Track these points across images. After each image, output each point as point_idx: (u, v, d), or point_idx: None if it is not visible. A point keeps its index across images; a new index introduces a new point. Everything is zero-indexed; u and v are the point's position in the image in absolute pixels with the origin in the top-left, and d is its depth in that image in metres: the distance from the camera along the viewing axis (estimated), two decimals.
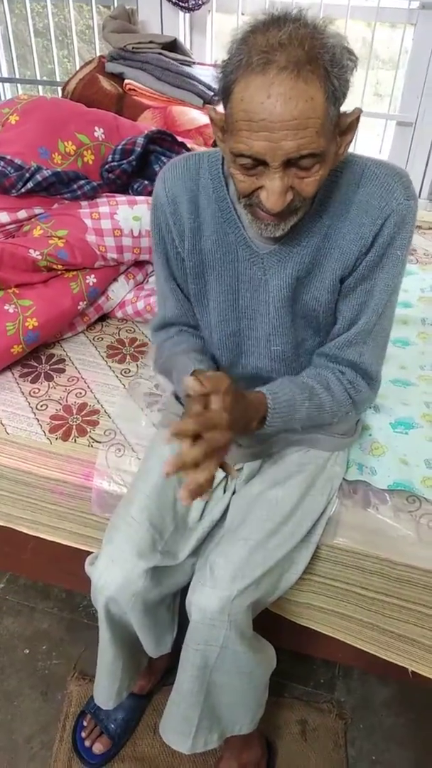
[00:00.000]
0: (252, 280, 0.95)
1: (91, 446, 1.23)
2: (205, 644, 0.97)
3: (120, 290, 1.57)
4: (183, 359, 1.00)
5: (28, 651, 1.47)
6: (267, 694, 1.12)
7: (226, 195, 0.92)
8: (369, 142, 2.59)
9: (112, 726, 1.28)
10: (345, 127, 0.79)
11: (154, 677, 1.34)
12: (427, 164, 2.17)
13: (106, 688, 1.14)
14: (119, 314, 1.58)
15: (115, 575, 0.99)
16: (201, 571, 1.00)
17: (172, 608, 1.13)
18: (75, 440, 1.24)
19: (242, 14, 2.17)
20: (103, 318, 1.59)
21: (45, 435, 1.25)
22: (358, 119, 0.79)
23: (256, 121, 0.71)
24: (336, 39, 0.73)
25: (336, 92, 0.73)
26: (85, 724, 1.30)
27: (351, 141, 0.82)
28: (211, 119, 0.83)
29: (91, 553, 1.10)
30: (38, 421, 1.28)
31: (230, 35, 0.75)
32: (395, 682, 1.41)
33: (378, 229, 0.86)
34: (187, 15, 2.19)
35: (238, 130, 0.73)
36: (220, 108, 0.81)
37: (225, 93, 0.75)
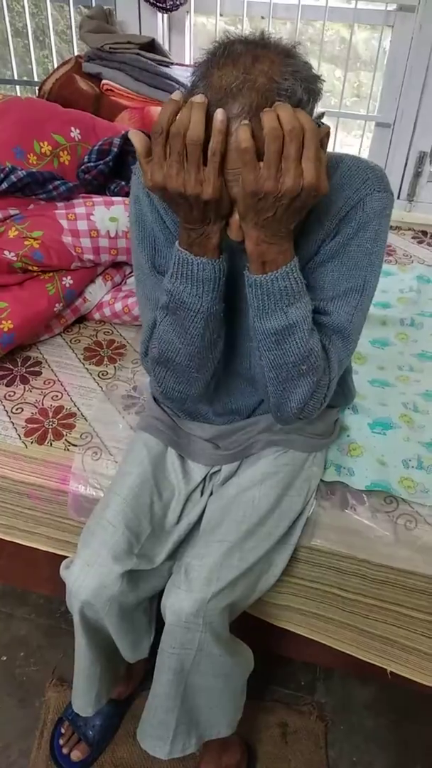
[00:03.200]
0: (228, 275, 0.94)
1: (67, 450, 1.22)
2: (180, 648, 0.96)
3: (97, 292, 1.55)
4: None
5: (5, 658, 1.45)
6: (245, 697, 1.12)
7: None
8: (349, 143, 2.60)
9: (91, 733, 1.27)
10: None
11: (133, 683, 1.33)
12: (405, 165, 2.18)
13: (84, 695, 1.12)
14: (97, 316, 1.57)
15: (90, 579, 0.98)
16: (176, 573, 0.99)
17: (149, 612, 1.12)
18: (51, 444, 1.23)
19: (220, 15, 2.16)
20: (81, 320, 1.57)
21: (20, 439, 1.24)
22: (327, 135, 0.78)
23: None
24: (296, 76, 0.71)
25: None
26: (63, 731, 1.28)
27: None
28: None
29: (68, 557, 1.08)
30: (13, 424, 1.27)
31: (194, 62, 0.74)
32: (375, 683, 1.41)
33: (344, 214, 0.84)
34: (165, 16, 2.18)
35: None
36: None
37: None
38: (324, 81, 0.76)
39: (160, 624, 1.03)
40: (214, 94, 0.70)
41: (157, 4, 2.06)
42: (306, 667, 1.44)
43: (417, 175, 2.17)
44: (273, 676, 1.41)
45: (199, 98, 0.70)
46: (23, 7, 2.35)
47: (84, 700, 1.13)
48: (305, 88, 0.72)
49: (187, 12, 2.18)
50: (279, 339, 0.84)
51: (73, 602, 1.01)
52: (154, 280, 0.95)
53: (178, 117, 0.70)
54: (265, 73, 0.70)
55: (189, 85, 0.75)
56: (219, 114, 0.69)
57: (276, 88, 0.70)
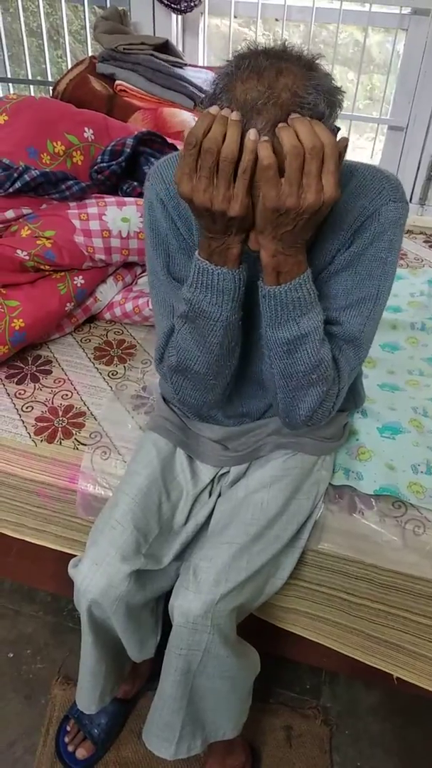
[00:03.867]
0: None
1: (77, 449, 1.22)
2: (188, 649, 0.96)
3: (108, 292, 1.56)
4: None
5: (12, 655, 1.46)
6: (251, 699, 1.12)
7: None
8: (361, 145, 2.60)
9: (96, 731, 1.27)
10: None
11: (138, 682, 1.33)
12: (418, 168, 2.17)
13: (89, 693, 1.13)
14: (107, 316, 1.58)
15: (98, 578, 0.98)
16: (184, 574, 0.99)
17: (156, 612, 1.12)
18: (60, 442, 1.23)
19: (234, 17, 2.17)
20: (91, 319, 1.58)
21: (30, 437, 1.24)
22: (345, 149, 0.77)
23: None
24: (318, 89, 0.71)
25: None
26: (68, 729, 1.29)
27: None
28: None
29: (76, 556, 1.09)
30: (23, 422, 1.27)
31: (217, 69, 0.75)
32: (381, 688, 1.41)
33: (359, 224, 0.84)
34: (179, 17, 2.19)
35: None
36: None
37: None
38: (344, 93, 0.76)
39: (166, 624, 1.04)
40: (238, 108, 0.71)
41: (172, 5, 2.07)
42: (311, 670, 1.44)
43: (429, 178, 2.16)
44: (278, 679, 1.41)
45: (235, 116, 0.70)
46: (38, 6, 2.36)
47: (88, 697, 1.13)
48: (327, 101, 0.72)
49: (201, 13, 2.19)
50: (290, 348, 0.85)
51: (81, 601, 1.01)
52: (170, 286, 0.95)
53: (211, 132, 0.70)
54: (289, 88, 0.70)
55: (210, 93, 0.75)
56: (252, 134, 0.69)
57: (299, 102, 0.70)
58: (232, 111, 0.71)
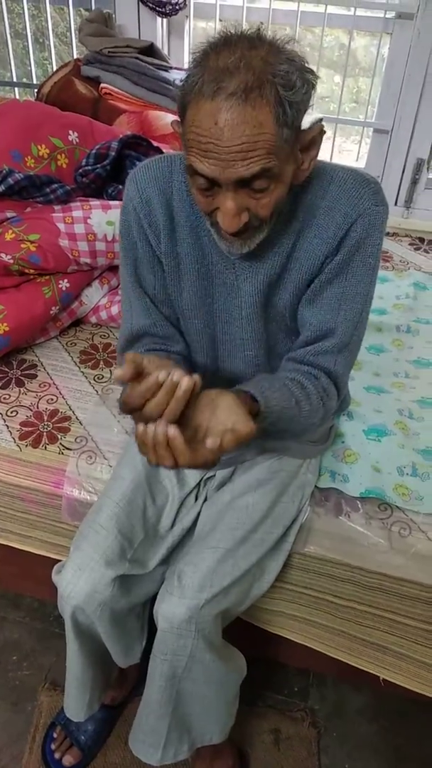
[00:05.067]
0: (225, 285, 0.95)
1: (62, 453, 1.22)
2: (172, 654, 0.96)
3: (94, 295, 1.55)
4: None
5: None
6: (237, 703, 1.12)
7: None
8: (348, 148, 2.61)
9: (83, 738, 1.26)
10: (307, 142, 0.79)
11: (125, 688, 1.32)
12: (403, 171, 2.18)
13: (77, 700, 1.12)
14: (93, 319, 1.57)
15: (82, 584, 0.98)
16: (169, 579, 0.99)
17: (142, 617, 1.11)
18: (45, 447, 1.23)
19: (220, 20, 2.17)
20: (77, 323, 1.57)
21: (15, 442, 1.23)
22: (321, 133, 0.79)
23: (204, 145, 0.72)
24: (291, 63, 0.72)
25: (287, 115, 0.72)
26: (55, 735, 1.28)
27: (316, 155, 0.81)
28: (175, 132, 0.83)
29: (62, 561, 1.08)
30: (8, 427, 1.26)
31: (191, 52, 0.75)
32: (368, 689, 1.41)
33: (344, 233, 0.86)
34: (165, 20, 2.18)
35: (190, 149, 0.74)
36: None
37: (181, 112, 0.76)
38: (318, 78, 0.77)
39: (152, 629, 1.03)
40: (211, 74, 0.70)
41: (157, 8, 2.06)
42: (299, 673, 1.44)
43: (414, 182, 2.17)
44: (266, 682, 1.41)
45: (185, 383, 0.70)
46: (23, 8, 2.35)
47: (76, 705, 1.12)
48: (300, 76, 0.73)
49: (187, 17, 2.19)
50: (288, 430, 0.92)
51: (64, 607, 1.00)
52: (136, 292, 0.98)
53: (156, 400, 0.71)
54: (262, 57, 0.71)
55: (185, 75, 0.75)
56: (184, 382, 0.70)
57: (272, 70, 0.71)
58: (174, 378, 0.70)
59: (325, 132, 0.80)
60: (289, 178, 0.79)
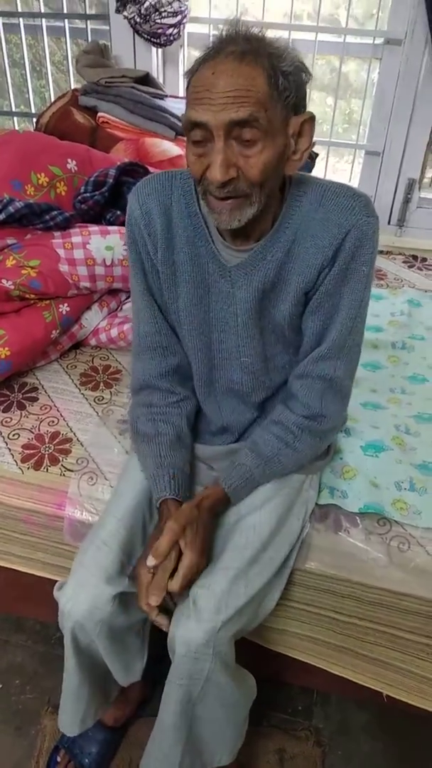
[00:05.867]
0: (221, 293, 0.98)
1: (63, 475, 1.23)
2: (189, 678, 0.96)
3: (93, 318, 1.58)
4: (153, 460, 1.05)
5: (1, 686, 1.45)
6: (247, 724, 1.11)
7: (197, 210, 0.95)
8: (340, 168, 2.65)
9: (87, 761, 1.25)
10: (298, 128, 0.83)
11: (128, 708, 1.31)
12: (395, 192, 2.23)
13: (70, 714, 1.12)
14: (93, 342, 1.59)
15: (82, 600, 0.99)
16: (183, 603, 0.99)
17: (142, 635, 1.12)
18: (47, 469, 1.24)
19: None
20: (77, 346, 1.59)
21: (17, 465, 1.25)
22: (312, 120, 0.84)
23: (200, 93, 0.78)
24: (289, 50, 0.80)
25: (278, 81, 0.78)
26: (59, 759, 1.27)
27: (308, 147, 0.86)
28: (185, 128, 0.87)
29: None
30: (10, 450, 1.28)
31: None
32: (372, 706, 1.40)
33: (339, 243, 0.89)
34: (160, 50, 2.24)
35: (189, 104, 0.81)
36: None
37: (187, 87, 0.82)
38: (311, 75, 0.84)
39: (154, 648, 1.04)
40: (214, 45, 0.79)
41: (152, 39, 2.12)
42: (303, 691, 1.44)
43: (406, 201, 2.21)
44: (270, 701, 1.40)
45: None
46: (21, 38, 2.42)
47: (70, 719, 1.12)
48: (293, 63, 0.80)
49: (181, 46, 2.25)
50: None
51: (65, 623, 1.01)
52: (145, 300, 1.04)
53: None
54: (260, 39, 0.80)
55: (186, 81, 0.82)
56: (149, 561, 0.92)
57: (268, 45, 0.79)
58: None
59: (314, 118, 0.85)
60: (279, 149, 0.82)
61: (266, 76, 0.77)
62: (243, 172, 0.81)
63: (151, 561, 0.92)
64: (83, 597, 0.99)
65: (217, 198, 0.83)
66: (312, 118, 0.84)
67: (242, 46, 0.77)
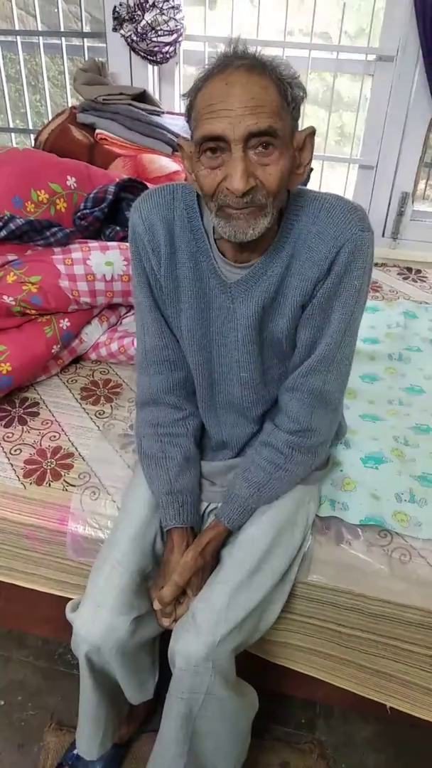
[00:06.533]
0: (221, 309, 0.99)
1: (66, 490, 1.24)
2: (189, 692, 0.96)
3: (94, 332, 1.59)
4: (162, 486, 1.07)
5: (3, 702, 1.44)
6: (250, 738, 1.11)
7: (200, 224, 0.96)
8: (335, 182, 2.69)
9: None
10: (301, 142, 0.85)
11: (133, 725, 1.31)
12: (389, 205, 2.26)
13: (90, 738, 1.11)
14: (93, 356, 1.60)
15: (99, 622, 0.98)
16: (183, 617, 0.99)
17: (153, 652, 1.12)
18: (49, 484, 1.25)
19: None
20: (77, 360, 1.60)
21: (19, 480, 1.25)
22: (312, 135, 0.86)
23: (216, 106, 0.78)
24: (290, 67, 0.82)
25: (287, 92, 0.80)
26: None
27: (310, 161, 0.87)
28: (181, 148, 0.89)
29: (68, 598, 1.09)
30: (12, 466, 1.28)
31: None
32: (376, 719, 1.40)
33: (333, 256, 0.90)
34: (156, 67, 2.27)
35: (202, 119, 0.80)
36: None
37: (190, 106, 0.83)
38: (306, 94, 0.85)
39: (162, 664, 1.04)
40: (218, 61, 0.80)
41: (148, 56, 2.15)
42: (306, 704, 1.43)
43: (400, 214, 2.24)
44: (273, 715, 1.40)
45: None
46: (18, 55, 2.44)
47: (90, 743, 1.12)
48: (294, 78, 0.82)
49: (177, 63, 2.28)
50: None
51: (79, 645, 1.00)
52: (153, 315, 1.04)
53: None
54: (262, 56, 0.81)
55: (187, 100, 0.84)
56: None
57: (270, 60, 0.80)
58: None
59: (315, 132, 0.87)
60: (289, 163, 0.83)
61: (277, 87, 0.79)
62: (261, 181, 0.81)
63: (156, 605, 1.01)
64: (100, 619, 0.98)
65: (236, 209, 0.83)
66: (312, 133, 0.86)
67: (250, 60, 0.79)
